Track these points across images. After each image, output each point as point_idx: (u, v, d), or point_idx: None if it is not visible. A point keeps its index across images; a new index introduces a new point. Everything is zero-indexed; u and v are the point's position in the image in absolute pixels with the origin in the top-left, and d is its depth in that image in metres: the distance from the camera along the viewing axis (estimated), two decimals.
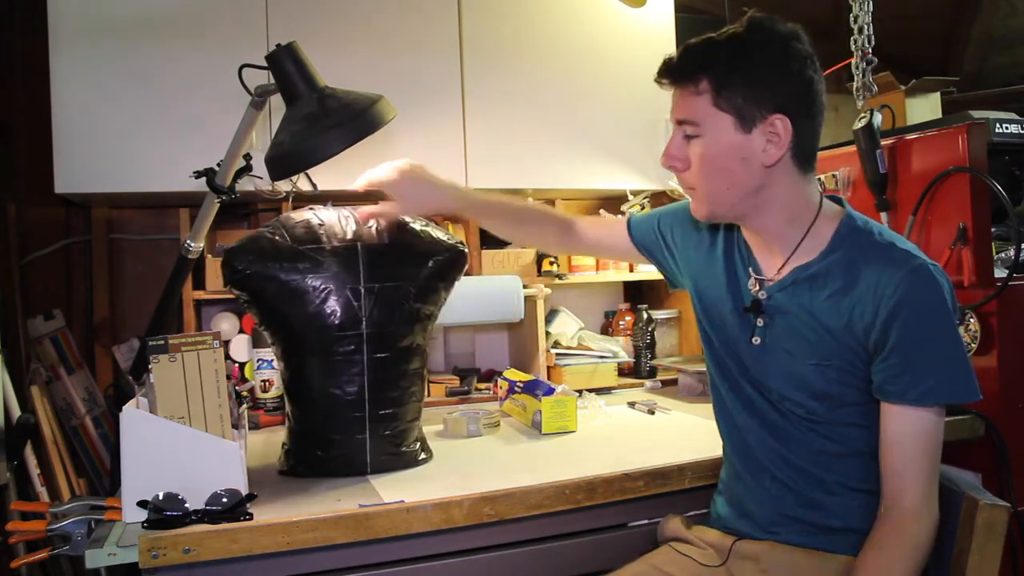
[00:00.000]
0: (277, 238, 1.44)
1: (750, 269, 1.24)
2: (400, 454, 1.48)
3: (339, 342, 1.42)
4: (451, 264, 1.55)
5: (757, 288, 1.21)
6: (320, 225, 1.47)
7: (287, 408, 1.51)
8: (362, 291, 1.43)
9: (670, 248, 1.41)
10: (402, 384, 1.47)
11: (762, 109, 1.10)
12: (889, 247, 1.12)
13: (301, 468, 1.46)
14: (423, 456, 1.53)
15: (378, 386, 1.45)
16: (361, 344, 1.43)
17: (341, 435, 1.44)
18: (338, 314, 1.42)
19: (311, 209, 1.52)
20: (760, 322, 1.21)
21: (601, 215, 2.45)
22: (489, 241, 2.35)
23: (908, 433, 1.09)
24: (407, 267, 1.48)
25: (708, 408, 1.92)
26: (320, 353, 1.43)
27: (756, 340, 1.21)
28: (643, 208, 2.45)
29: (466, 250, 1.58)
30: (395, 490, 1.32)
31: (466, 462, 1.53)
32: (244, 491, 1.21)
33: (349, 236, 1.46)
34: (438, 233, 1.56)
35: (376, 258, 1.45)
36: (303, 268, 1.41)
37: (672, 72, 1.14)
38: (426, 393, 1.57)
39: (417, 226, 1.53)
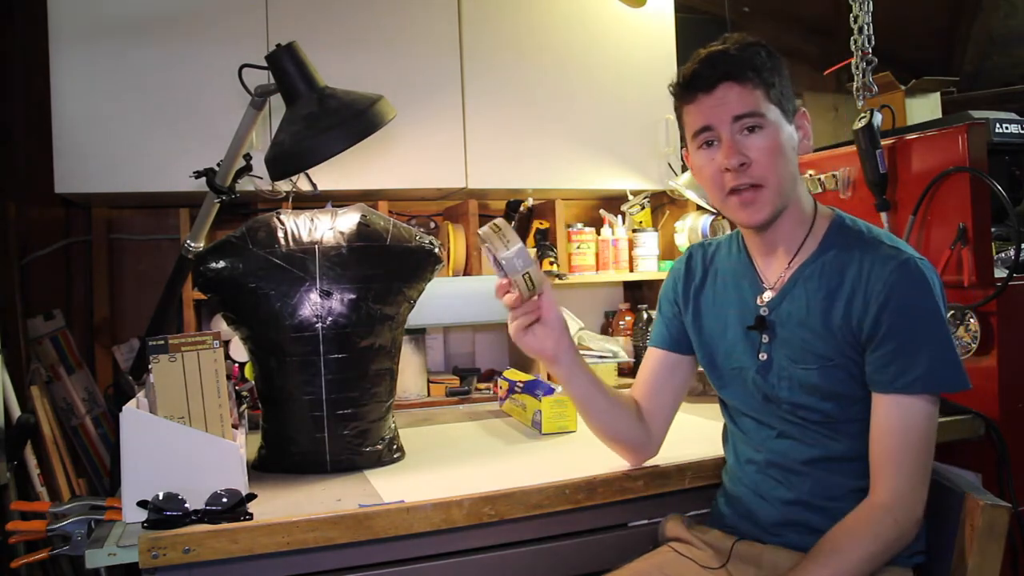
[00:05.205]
0: (240, 242, 1.48)
1: (754, 282, 1.26)
2: (362, 454, 1.49)
3: (296, 343, 1.44)
4: (413, 264, 1.55)
5: (761, 302, 1.23)
6: (281, 228, 1.49)
7: (260, 406, 1.54)
8: (318, 294, 1.45)
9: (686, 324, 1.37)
10: (363, 385, 1.48)
11: (792, 103, 1.19)
12: (878, 244, 1.16)
13: (268, 464, 1.50)
14: (391, 456, 1.53)
15: (337, 386, 1.46)
16: (318, 345, 1.44)
17: (300, 434, 1.46)
18: (295, 316, 1.44)
19: (283, 213, 1.54)
20: (765, 338, 1.22)
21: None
22: None
23: (891, 425, 1.10)
24: (364, 269, 1.48)
25: (708, 408, 1.94)
26: (280, 354, 1.45)
27: (763, 356, 1.22)
28: (643, 208, 2.45)
29: (435, 250, 1.58)
30: (395, 490, 1.32)
31: (466, 462, 1.53)
32: (244, 491, 1.21)
33: (307, 240, 1.48)
34: (404, 233, 1.56)
35: (333, 261, 1.47)
36: (261, 271, 1.44)
37: (727, 74, 1.15)
38: (394, 392, 1.58)
39: (381, 225, 1.54)
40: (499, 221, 1.24)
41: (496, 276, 1.26)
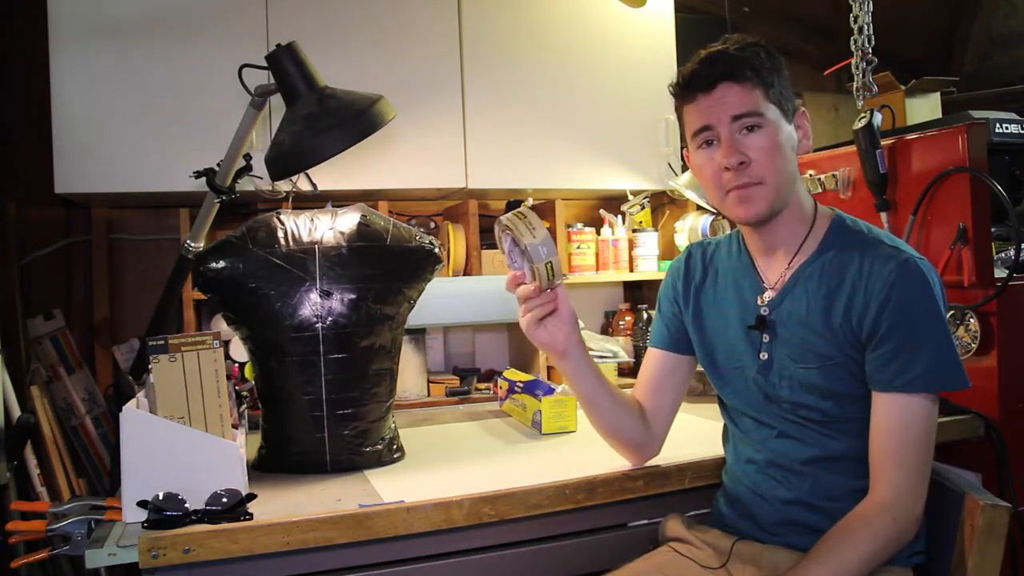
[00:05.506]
0: (240, 242, 1.48)
1: (754, 281, 1.26)
2: (362, 454, 1.49)
3: (296, 343, 1.44)
4: (413, 264, 1.55)
5: (762, 302, 1.24)
6: (281, 228, 1.50)
7: (260, 406, 1.54)
8: (318, 294, 1.45)
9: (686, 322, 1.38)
10: (363, 385, 1.48)
11: (791, 103, 1.20)
12: (878, 243, 1.16)
13: (268, 464, 1.50)
14: (391, 456, 1.53)
15: (337, 387, 1.46)
16: (318, 345, 1.44)
17: (300, 434, 1.46)
18: (295, 316, 1.44)
19: (283, 213, 1.54)
20: (766, 338, 1.22)
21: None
22: (489, 241, 2.35)
23: (891, 423, 1.10)
24: (364, 269, 1.48)
25: (708, 408, 1.94)
26: (280, 354, 1.45)
27: (764, 356, 1.22)
28: (643, 208, 2.45)
29: (435, 250, 1.58)
30: (395, 490, 1.32)
31: (466, 462, 1.53)
32: (244, 491, 1.21)
33: (307, 240, 1.49)
34: (404, 233, 1.56)
35: (333, 261, 1.47)
36: (261, 271, 1.45)
37: (726, 74, 1.16)
38: (395, 392, 1.58)
39: (381, 225, 1.54)
40: (524, 209, 1.23)
41: (509, 269, 1.26)
